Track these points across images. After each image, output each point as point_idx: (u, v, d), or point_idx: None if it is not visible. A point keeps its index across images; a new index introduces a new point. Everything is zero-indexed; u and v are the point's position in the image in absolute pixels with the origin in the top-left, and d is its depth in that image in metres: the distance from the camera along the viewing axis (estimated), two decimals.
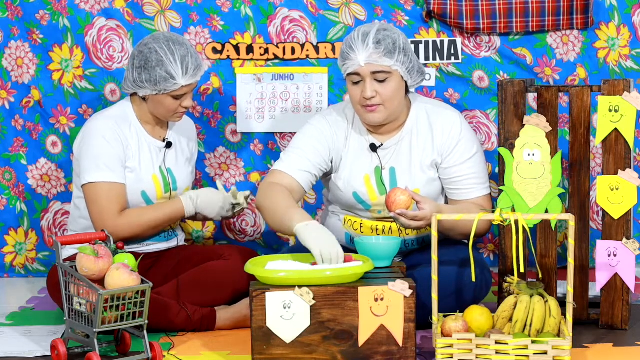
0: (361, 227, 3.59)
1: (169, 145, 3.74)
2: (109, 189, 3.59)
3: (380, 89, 3.42)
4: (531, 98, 4.11)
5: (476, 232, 3.22)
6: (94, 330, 3.08)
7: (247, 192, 3.72)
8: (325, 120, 3.60)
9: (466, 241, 3.66)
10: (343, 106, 3.65)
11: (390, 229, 3.55)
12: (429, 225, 3.32)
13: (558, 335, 3.13)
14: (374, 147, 3.55)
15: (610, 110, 3.36)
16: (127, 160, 3.64)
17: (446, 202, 3.62)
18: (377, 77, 3.42)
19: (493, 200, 4.14)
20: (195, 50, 3.65)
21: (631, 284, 3.37)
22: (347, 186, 3.57)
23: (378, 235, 3.55)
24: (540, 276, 3.34)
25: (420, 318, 3.18)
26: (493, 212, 3.14)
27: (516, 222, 3.13)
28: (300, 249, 3.49)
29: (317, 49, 4.25)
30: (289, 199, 3.39)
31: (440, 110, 3.60)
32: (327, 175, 3.64)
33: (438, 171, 3.56)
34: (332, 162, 3.60)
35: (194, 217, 3.75)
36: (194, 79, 3.60)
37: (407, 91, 3.55)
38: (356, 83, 3.44)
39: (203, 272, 3.59)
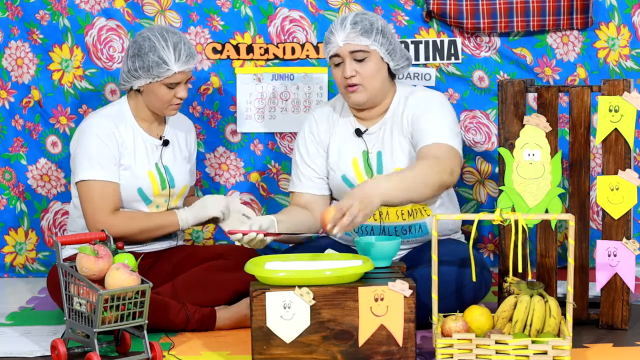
0: None
1: (165, 143, 3.74)
2: (102, 187, 3.59)
3: (359, 68, 3.52)
4: (531, 98, 4.10)
5: (437, 188, 3.30)
6: (94, 330, 3.08)
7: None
8: (311, 119, 3.74)
9: (466, 241, 3.67)
10: (336, 98, 3.75)
11: (387, 213, 3.56)
12: (376, 209, 3.18)
13: (558, 335, 3.13)
14: (359, 132, 3.61)
15: (610, 110, 3.36)
16: (122, 158, 3.65)
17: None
18: (355, 57, 3.52)
19: (493, 200, 4.15)
20: (189, 42, 3.66)
21: (631, 284, 3.37)
22: (336, 170, 3.64)
23: (375, 220, 3.57)
24: (530, 277, 3.33)
25: (420, 318, 3.18)
26: (493, 211, 3.14)
27: (516, 222, 3.13)
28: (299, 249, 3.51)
29: (317, 49, 4.25)
30: (283, 214, 3.58)
31: (419, 89, 3.67)
32: None
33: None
34: (325, 152, 3.69)
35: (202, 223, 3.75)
36: (186, 65, 3.61)
37: (393, 77, 3.63)
38: (338, 65, 3.56)
39: (203, 272, 3.59)
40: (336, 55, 3.54)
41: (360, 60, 3.51)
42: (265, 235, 3.31)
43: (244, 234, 3.27)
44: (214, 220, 3.71)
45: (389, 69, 3.59)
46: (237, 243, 3.30)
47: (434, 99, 3.59)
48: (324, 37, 3.61)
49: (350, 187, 3.60)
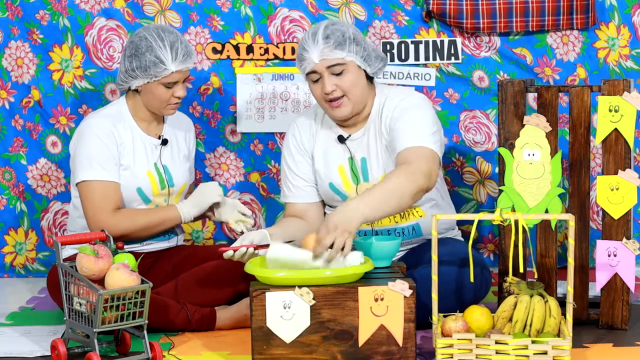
0: None
1: (164, 142, 3.74)
2: (102, 187, 3.59)
3: (338, 81, 3.48)
4: (531, 98, 4.10)
5: (414, 197, 3.21)
6: (94, 330, 3.08)
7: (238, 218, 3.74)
8: (294, 127, 3.70)
9: (465, 241, 3.67)
10: (316, 106, 3.70)
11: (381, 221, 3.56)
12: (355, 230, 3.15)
13: (558, 335, 3.13)
14: (341, 139, 3.59)
15: (610, 110, 3.36)
16: (122, 158, 3.65)
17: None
18: (333, 71, 3.47)
19: (493, 200, 4.14)
20: (186, 41, 3.66)
21: (631, 284, 3.37)
22: (323, 177, 3.63)
23: (368, 225, 3.57)
24: (537, 275, 3.33)
25: (420, 318, 3.18)
26: (493, 211, 3.14)
27: (516, 222, 3.13)
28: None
29: None
30: (276, 226, 3.57)
31: (396, 91, 3.62)
32: None
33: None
34: (311, 159, 3.67)
35: (202, 217, 3.76)
36: (184, 64, 3.60)
37: (372, 80, 3.59)
38: (316, 81, 3.51)
39: (203, 272, 3.59)
40: (313, 72, 3.49)
41: (339, 74, 3.46)
42: (255, 248, 3.30)
43: (234, 250, 3.27)
44: (213, 207, 3.71)
45: (366, 74, 3.55)
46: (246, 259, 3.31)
47: (410, 99, 3.54)
48: (296, 53, 3.52)
49: (338, 195, 3.60)
